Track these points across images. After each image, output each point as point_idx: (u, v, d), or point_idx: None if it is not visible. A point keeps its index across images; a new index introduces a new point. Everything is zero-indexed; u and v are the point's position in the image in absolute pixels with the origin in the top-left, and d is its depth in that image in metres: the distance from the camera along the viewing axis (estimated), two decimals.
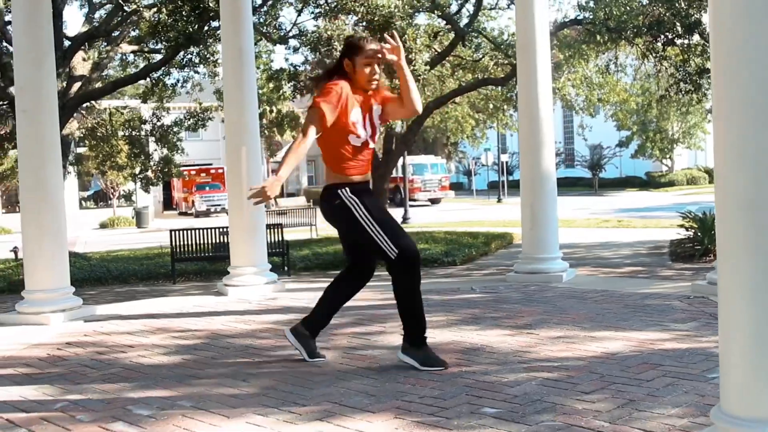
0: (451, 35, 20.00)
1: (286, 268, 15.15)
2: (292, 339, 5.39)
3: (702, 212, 15.50)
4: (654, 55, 18.50)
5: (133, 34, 18.56)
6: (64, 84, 16.85)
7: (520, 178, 9.06)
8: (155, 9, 15.43)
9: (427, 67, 14.34)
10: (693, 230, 15.38)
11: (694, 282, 8.12)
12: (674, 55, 18.05)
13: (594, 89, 22.34)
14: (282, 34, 16.59)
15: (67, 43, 17.41)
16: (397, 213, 28.79)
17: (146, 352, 5.95)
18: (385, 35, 5.26)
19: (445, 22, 19.46)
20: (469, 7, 20.11)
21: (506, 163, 51.38)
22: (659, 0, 17.31)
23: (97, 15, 18.93)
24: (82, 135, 21.85)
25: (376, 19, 13.00)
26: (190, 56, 16.95)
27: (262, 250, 9.07)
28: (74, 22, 74.66)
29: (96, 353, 6.00)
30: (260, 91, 18.44)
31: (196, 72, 19.61)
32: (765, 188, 3.06)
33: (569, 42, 20.08)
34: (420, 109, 5.24)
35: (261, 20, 16.54)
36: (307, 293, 8.81)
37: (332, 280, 5.58)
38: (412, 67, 13.51)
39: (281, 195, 53.68)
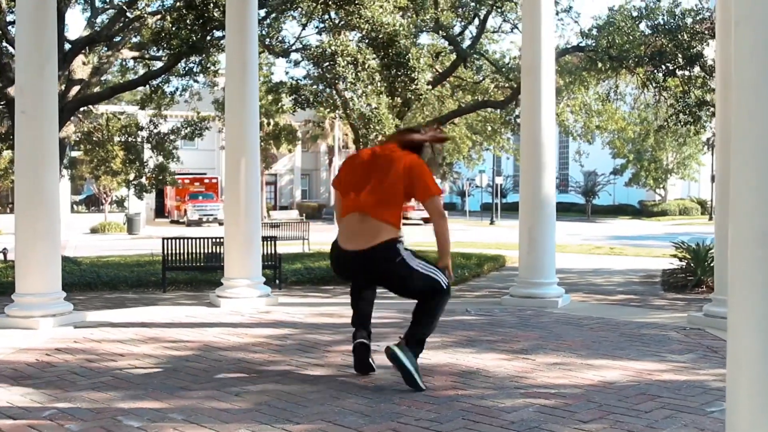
0: (453, 56, 20.04)
1: (277, 282, 15.05)
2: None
3: (695, 243, 15.47)
4: (654, 85, 18.55)
5: (134, 40, 18.50)
6: (63, 87, 16.76)
7: (519, 201, 9.03)
8: (159, 16, 15.39)
9: (429, 87, 14.33)
10: (686, 261, 15.34)
11: (690, 313, 8.08)
12: (674, 86, 18.11)
13: (592, 116, 22.38)
14: (285, 47, 16.56)
15: (67, 46, 17.32)
16: None
17: (137, 361, 5.87)
18: None
19: (448, 43, 19.50)
20: (473, 29, 20.17)
21: (500, 185, 51.40)
22: (662, 31, 17.40)
23: (99, 20, 18.87)
24: (77, 139, 21.73)
25: (380, 36, 13.00)
26: (191, 65, 16.89)
27: (256, 263, 8.99)
28: (76, 25, 74.82)
29: (86, 360, 5.91)
30: (259, 103, 18.40)
31: (196, 81, 19.57)
32: None
33: (570, 68, 20.13)
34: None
35: (263, 32, 16.53)
36: (300, 308, 8.74)
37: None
38: (414, 86, 13.52)
39: (274, 208, 53.63)
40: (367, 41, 13.62)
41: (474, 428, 4.22)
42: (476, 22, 19.84)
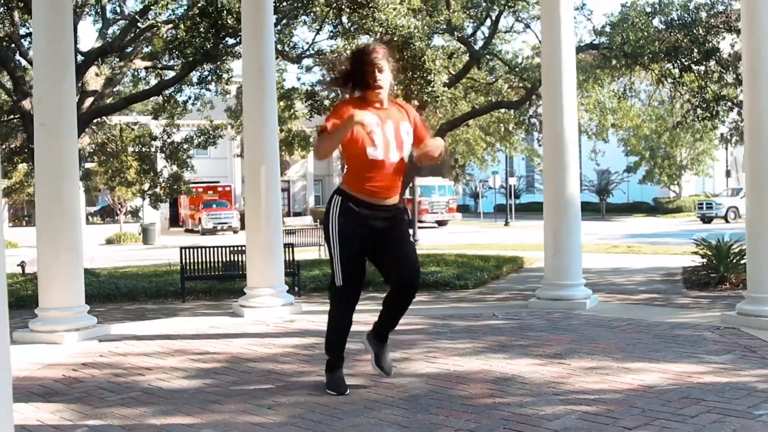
0: (465, 57, 19.91)
1: (297, 289, 14.96)
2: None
3: (716, 240, 15.30)
4: (670, 80, 18.37)
5: (146, 50, 18.48)
6: (77, 99, 16.73)
7: (543, 202, 8.90)
8: (171, 25, 15.34)
9: (445, 89, 14.21)
10: (707, 258, 15.16)
11: (723, 312, 7.92)
12: (690, 81, 17.92)
13: (607, 114, 22.20)
14: (298, 52, 16.48)
15: (80, 58, 17.31)
16: None
17: (165, 375, 5.77)
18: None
19: (461, 44, 19.37)
20: (485, 29, 20.03)
21: (514, 186, 51.20)
22: (676, 26, 17.22)
23: (110, 30, 18.85)
24: (92, 150, 21.73)
25: (395, 39, 12.88)
26: (205, 73, 16.85)
27: (279, 271, 8.90)
28: (87, 37, 75.23)
29: (113, 375, 5.82)
30: None
31: (208, 90, 19.53)
32: None
33: (584, 66, 19.95)
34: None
35: (276, 38, 16.44)
36: (324, 316, 8.53)
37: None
38: (430, 88, 13.39)
39: (288, 214, 53.60)
40: (381, 45, 13.52)
41: None
42: (488, 22, 19.69)
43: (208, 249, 15.26)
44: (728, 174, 48.87)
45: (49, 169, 7.35)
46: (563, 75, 8.58)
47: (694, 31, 16.75)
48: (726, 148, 42.72)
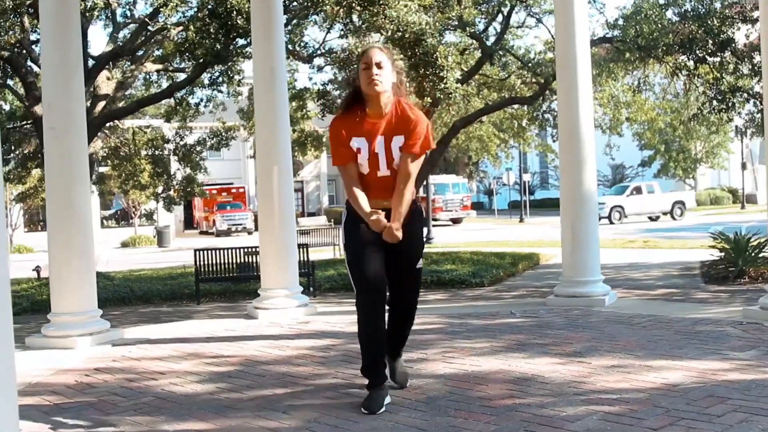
0: (477, 54, 19.80)
1: (311, 289, 14.89)
2: None
3: (734, 233, 15.13)
4: (684, 73, 18.19)
5: (157, 53, 18.45)
6: (89, 103, 16.73)
7: (560, 197, 8.75)
8: (182, 27, 15.29)
9: (458, 85, 14.09)
10: (725, 251, 14.99)
11: (745, 307, 7.78)
12: (705, 73, 17.74)
13: (621, 108, 22.02)
14: (309, 52, 16.40)
15: (91, 62, 17.31)
16: None
17: (178, 379, 5.69)
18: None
19: (473, 40, 19.25)
20: (496, 25, 19.91)
21: (528, 182, 50.98)
22: (690, 17, 17.05)
23: (121, 34, 18.84)
24: (105, 154, 21.75)
25: (406, 36, 12.77)
26: (216, 74, 16.80)
27: (293, 272, 8.81)
28: (98, 41, 75.43)
29: (126, 380, 5.74)
30: None
31: (220, 91, 19.50)
32: None
33: (597, 60, 19.80)
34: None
35: (286, 38, 16.37)
36: (339, 317, 8.54)
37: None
38: (443, 84, 13.27)
39: (302, 215, 53.59)
40: (392, 42, 13.40)
41: None
42: (500, 18, 19.58)
43: (222, 251, 15.21)
44: (744, 167, 48.48)
45: (59, 173, 7.29)
46: (578, 68, 8.45)
47: (709, 22, 16.58)
48: (741, 141, 42.26)
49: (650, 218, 40.47)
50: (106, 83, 17.62)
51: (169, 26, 15.47)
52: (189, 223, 52.27)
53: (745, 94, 17.43)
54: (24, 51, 16.65)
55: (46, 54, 7.40)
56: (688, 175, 53.19)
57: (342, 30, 15.88)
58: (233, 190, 50.31)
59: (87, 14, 15.48)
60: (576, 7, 8.44)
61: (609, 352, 5.99)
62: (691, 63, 18.06)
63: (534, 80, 20.48)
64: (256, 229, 18.60)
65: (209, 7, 13.84)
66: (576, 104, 8.43)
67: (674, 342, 6.34)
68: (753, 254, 14.14)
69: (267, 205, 8.70)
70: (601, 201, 39.01)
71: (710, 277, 14.74)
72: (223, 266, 15.08)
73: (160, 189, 21.94)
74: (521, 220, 45.21)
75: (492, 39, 19.73)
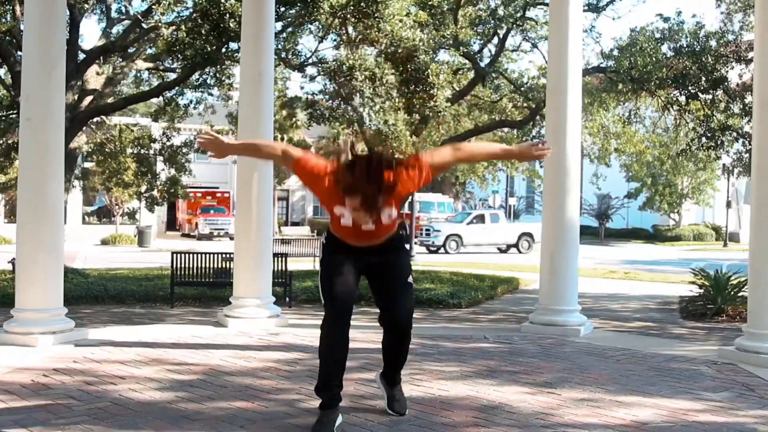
0: (471, 74, 19.77)
1: (288, 300, 14.73)
2: None
3: (714, 270, 15.10)
4: (676, 108, 18.21)
5: (149, 51, 18.30)
6: (76, 97, 16.56)
7: (542, 225, 8.67)
8: (174, 27, 15.17)
9: (448, 104, 14.02)
10: (705, 288, 14.95)
11: (720, 347, 7.69)
12: (696, 110, 17.77)
13: (611, 138, 22.03)
14: (301, 60, 16.31)
15: (81, 56, 17.14)
16: None
17: (138, 385, 5.53)
18: None
19: (467, 60, 19.23)
20: (492, 47, 19.89)
21: (513, 206, 50.99)
22: (685, 53, 17.07)
23: (114, 30, 18.69)
24: (90, 149, 21.53)
25: (399, 51, 12.71)
26: (205, 77, 16.66)
27: (267, 281, 8.66)
28: (91, 35, 75.14)
29: (84, 383, 5.57)
30: (273, 118, 18.18)
31: (210, 94, 19.35)
32: None
33: (590, 89, 19.81)
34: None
35: (279, 46, 16.29)
36: (310, 330, 8.38)
37: None
38: (433, 102, 13.21)
39: (286, 223, 53.40)
40: (385, 56, 13.35)
41: None
42: (495, 40, 19.56)
43: (199, 255, 15.03)
44: (728, 205, 48.66)
45: (32, 165, 7.12)
46: (568, 97, 8.37)
47: (703, 59, 16.61)
48: (728, 179, 42.43)
49: (500, 249, 37.64)
50: (95, 78, 17.46)
51: (161, 25, 15.32)
52: (171, 224, 51.92)
53: (735, 133, 17.44)
54: (14, 40, 16.46)
55: (27, 44, 7.24)
56: (673, 210, 53.35)
57: (335, 41, 15.82)
58: (218, 195, 50.02)
59: (79, 6, 15.33)
60: (570, 35, 8.38)
61: (580, 385, 5.88)
62: (683, 98, 18.07)
63: (525, 105, 20.48)
64: None
65: (203, 8, 13.71)
66: (563, 133, 8.35)
67: (647, 378, 6.23)
68: (732, 293, 14.09)
69: (245, 211, 8.57)
70: (436, 228, 37.67)
71: (688, 313, 14.68)
72: (199, 270, 14.89)
73: (143, 188, 21.72)
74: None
75: (486, 60, 19.71)
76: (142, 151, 21.44)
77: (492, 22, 18.28)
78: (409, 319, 4.78)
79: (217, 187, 51.44)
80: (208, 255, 15.06)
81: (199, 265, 14.89)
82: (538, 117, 19.38)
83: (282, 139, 22.50)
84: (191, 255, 14.97)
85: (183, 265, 14.79)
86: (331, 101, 16.14)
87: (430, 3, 16.10)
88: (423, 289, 16.03)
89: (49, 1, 7.12)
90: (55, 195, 7.21)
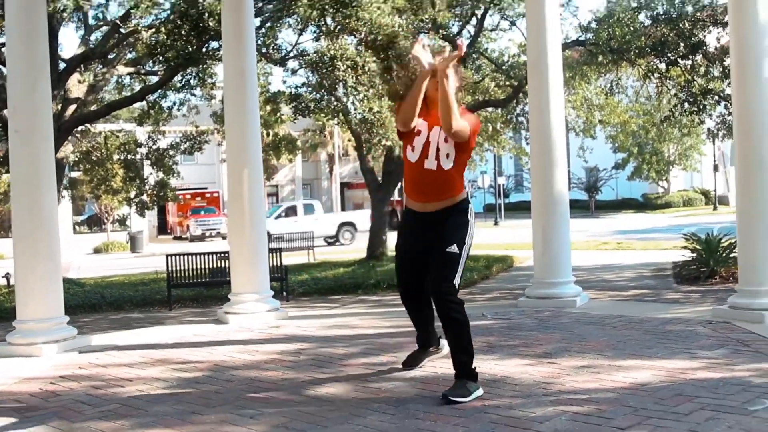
0: None
1: (285, 294, 14.83)
2: None
3: (705, 234, 15.25)
4: (657, 75, 18.32)
5: (129, 56, 18.28)
6: (59, 107, 16.55)
7: (531, 200, 8.77)
8: (153, 30, 15.17)
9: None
10: (697, 252, 15.11)
11: (714, 306, 7.82)
12: (677, 76, 17.87)
13: (594, 111, 22.10)
14: (282, 54, 16.33)
15: (62, 65, 17.12)
16: (394, 236, 28.45)
17: (145, 386, 5.61)
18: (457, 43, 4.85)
19: (447, 43, 19.26)
20: (470, 28, 19.93)
21: (503, 185, 51.11)
22: (662, 21, 17.15)
23: (93, 37, 18.65)
24: (76, 159, 21.51)
25: (379, 39, 12.75)
26: (188, 77, 16.67)
27: (264, 276, 8.73)
28: (69, 44, 74.60)
29: (92, 388, 5.65)
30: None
31: (193, 95, 19.35)
32: None
33: (570, 63, 19.87)
34: (450, 127, 4.80)
35: (260, 41, 16.30)
36: (310, 321, 8.50)
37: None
38: None
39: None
40: (365, 44, 13.38)
41: None
42: (474, 21, 19.60)
43: (194, 256, 15.11)
44: (716, 168, 48.95)
45: (25, 177, 7.16)
46: (549, 72, 8.45)
47: (680, 26, 16.71)
48: (713, 143, 42.62)
49: (327, 242, 34.87)
50: (77, 86, 17.44)
51: (140, 28, 15.33)
52: (163, 228, 51.86)
53: (716, 97, 17.56)
54: None
55: (11, 56, 7.27)
56: (661, 178, 53.59)
57: (315, 32, 15.85)
58: (207, 195, 49.98)
59: (57, 15, 15.32)
60: (547, 10, 8.44)
61: (579, 353, 5.99)
62: (663, 66, 18.18)
63: (508, 83, 20.54)
64: None
65: (180, 8, 13.71)
66: (547, 107, 8.43)
67: (644, 342, 6.35)
68: (724, 254, 14.26)
69: (237, 208, 8.63)
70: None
71: (682, 278, 14.85)
72: (195, 271, 14.99)
73: (132, 194, 21.72)
74: (496, 223, 45.29)
75: (466, 41, 19.74)
76: (129, 157, 21.42)
77: (469, 2, 18.33)
78: (446, 289, 4.88)
79: (206, 188, 51.39)
80: (202, 255, 15.15)
81: (195, 266, 14.99)
82: (521, 94, 19.44)
83: (267, 135, 22.44)
84: (186, 257, 15.05)
85: (178, 267, 14.88)
86: (314, 93, 16.18)
87: None
88: None
89: (31, 14, 7.15)
90: (50, 205, 7.26)
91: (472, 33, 19.66)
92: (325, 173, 58.43)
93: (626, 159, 52.46)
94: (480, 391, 4.81)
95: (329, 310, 12.13)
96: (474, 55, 19.42)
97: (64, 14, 15.86)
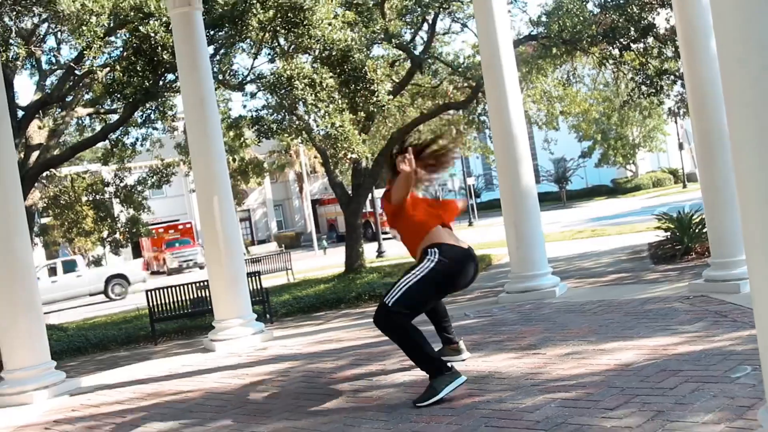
0: (407, 64, 19.96)
1: (268, 316, 14.83)
2: None
3: (677, 212, 15.45)
4: (611, 61, 18.56)
5: (87, 96, 18.23)
6: (22, 154, 16.48)
7: (500, 197, 8.89)
8: (108, 68, 15.16)
9: (390, 97, 14.20)
10: (671, 231, 15.30)
11: (691, 282, 7.97)
12: (631, 60, 18.13)
13: (554, 102, 22.33)
14: (239, 80, 16.40)
15: (20, 113, 17.04)
16: (371, 248, 28.53)
17: (140, 420, 5.64)
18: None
19: (401, 51, 19.41)
20: (423, 34, 20.09)
21: (473, 186, 51.37)
22: (611, 7, 17.40)
23: (48, 81, 18.59)
24: (45, 204, 21.39)
25: (334, 54, 12.85)
26: (148, 112, 16.66)
27: (245, 300, 8.78)
28: (25, 91, 74.06)
29: (86, 428, 5.67)
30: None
31: (155, 129, 19.32)
32: None
33: (525, 58, 20.10)
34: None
35: (215, 69, 16.34)
36: (296, 339, 8.54)
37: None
38: (375, 98, 13.36)
39: (252, 243, 53.24)
40: (320, 61, 13.48)
41: None
42: (425, 26, 19.77)
43: (174, 288, 15.07)
44: (681, 146, 49.48)
45: None
46: (504, 70, 8.58)
47: (629, 10, 16.92)
48: (675, 122, 43.12)
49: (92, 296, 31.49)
50: (38, 132, 17.36)
51: (95, 69, 15.32)
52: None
53: (672, 76, 17.83)
54: None
55: None
56: (628, 161, 54.07)
57: (269, 54, 15.92)
58: (180, 227, 49.74)
59: (10, 64, 15.26)
60: (496, 9, 8.58)
61: (562, 341, 6.10)
62: (616, 51, 18.41)
63: (466, 84, 20.71)
64: None
65: (133, 44, 13.74)
66: (506, 105, 8.57)
67: (625, 323, 6.47)
68: (697, 231, 14.43)
69: (211, 235, 8.66)
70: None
71: (659, 258, 15.02)
72: (176, 303, 14.94)
73: (105, 233, 21.62)
74: (470, 224, 45.46)
75: (420, 48, 19.91)
76: (98, 197, 21.34)
77: (419, 9, 18.47)
78: (377, 316, 5.20)
79: (178, 220, 51.18)
80: (182, 287, 15.11)
81: (176, 299, 14.94)
82: (480, 94, 19.62)
83: (234, 160, 22.46)
84: (166, 290, 15.01)
85: (159, 301, 14.83)
86: (275, 114, 16.24)
87: (355, 2, 16.27)
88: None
89: None
90: (24, 252, 7.26)
91: (425, 39, 19.81)
92: (295, 192, 58.39)
93: (592, 147, 52.89)
94: (452, 386, 4.87)
95: (313, 327, 12.15)
96: (429, 61, 19.57)
97: (17, 62, 15.81)
